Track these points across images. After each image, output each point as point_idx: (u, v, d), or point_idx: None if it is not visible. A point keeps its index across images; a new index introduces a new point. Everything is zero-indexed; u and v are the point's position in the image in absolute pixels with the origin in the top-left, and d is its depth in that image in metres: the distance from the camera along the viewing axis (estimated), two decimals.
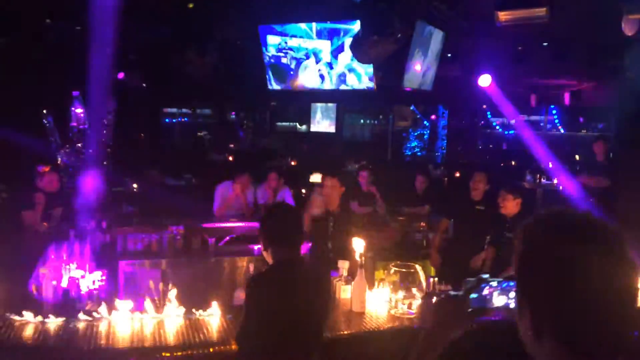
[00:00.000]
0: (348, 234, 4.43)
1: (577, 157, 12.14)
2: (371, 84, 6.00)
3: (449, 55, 6.95)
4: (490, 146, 15.76)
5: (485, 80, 7.48)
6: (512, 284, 1.31)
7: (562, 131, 13.80)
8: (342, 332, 2.86)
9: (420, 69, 5.81)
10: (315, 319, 2.48)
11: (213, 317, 2.95)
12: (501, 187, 4.89)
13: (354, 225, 4.59)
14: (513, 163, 13.81)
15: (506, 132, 15.71)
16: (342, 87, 6.76)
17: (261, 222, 2.64)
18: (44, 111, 9.20)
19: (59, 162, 8.95)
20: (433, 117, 14.19)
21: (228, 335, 2.72)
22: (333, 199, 4.64)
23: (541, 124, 13.06)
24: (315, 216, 4.87)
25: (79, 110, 9.54)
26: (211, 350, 2.60)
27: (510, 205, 4.68)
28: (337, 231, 4.39)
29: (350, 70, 6.47)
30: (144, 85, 9.53)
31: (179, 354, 2.54)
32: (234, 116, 15.57)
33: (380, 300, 3.34)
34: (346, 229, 4.40)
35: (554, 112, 12.75)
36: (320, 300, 2.51)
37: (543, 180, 9.84)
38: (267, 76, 7.25)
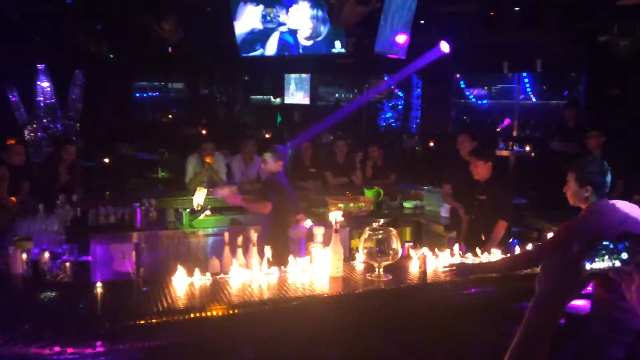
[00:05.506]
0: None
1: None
2: (342, 50, 5.92)
3: (422, 22, 6.89)
4: (465, 118, 15.84)
5: (444, 47, 7.38)
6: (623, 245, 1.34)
7: (534, 100, 13.92)
8: (321, 294, 2.87)
9: (392, 35, 5.75)
10: None
11: (188, 285, 2.93)
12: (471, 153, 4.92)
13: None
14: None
15: (479, 102, 15.79)
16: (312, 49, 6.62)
17: None
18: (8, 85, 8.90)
19: (25, 137, 8.70)
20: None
21: (201, 302, 2.70)
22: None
23: (514, 94, 13.14)
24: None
25: (44, 84, 9.26)
26: (185, 317, 2.58)
27: (482, 171, 4.74)
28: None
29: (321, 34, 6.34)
30: (111, 56, 9.26)
31: (154, 320, 2.52)
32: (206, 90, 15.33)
33: (357, 264, 3.36)
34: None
35: (526, 80, 12.82)
36: None
37: (516, 147, 9.99)
38: (237, 42, 7.10)
